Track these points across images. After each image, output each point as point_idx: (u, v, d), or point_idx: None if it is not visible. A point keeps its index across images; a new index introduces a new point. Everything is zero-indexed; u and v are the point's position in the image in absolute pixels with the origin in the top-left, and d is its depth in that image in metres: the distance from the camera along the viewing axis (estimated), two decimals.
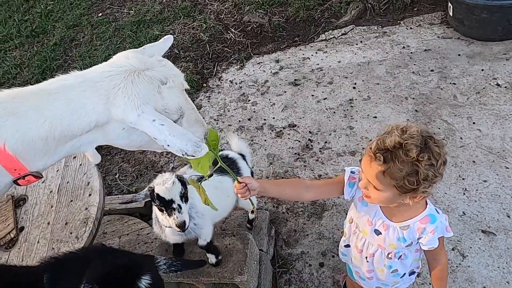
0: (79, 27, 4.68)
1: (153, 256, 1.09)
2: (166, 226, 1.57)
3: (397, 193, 1.18)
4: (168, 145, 1.12)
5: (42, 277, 1.08)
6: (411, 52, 3.53)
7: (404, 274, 1.48)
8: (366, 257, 1.46)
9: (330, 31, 3.94)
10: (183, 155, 1.12)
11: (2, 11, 5.09)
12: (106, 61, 1.23)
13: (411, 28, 3.79)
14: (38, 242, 1.67)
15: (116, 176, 3.07)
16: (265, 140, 3.06)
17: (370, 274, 1.50)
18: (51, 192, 1.84)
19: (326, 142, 2.95)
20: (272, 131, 3.12)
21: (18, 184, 1.09)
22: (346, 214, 2.48)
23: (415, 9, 3.96)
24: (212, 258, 1.80)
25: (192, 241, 1.76)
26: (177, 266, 1.11)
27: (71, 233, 1.66)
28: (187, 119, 1.26)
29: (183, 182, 1.48)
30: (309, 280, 2.26)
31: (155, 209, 1.61)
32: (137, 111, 1.10)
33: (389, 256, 1.40)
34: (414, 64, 3.41)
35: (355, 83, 3.36)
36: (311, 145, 2.95)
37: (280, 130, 3.11)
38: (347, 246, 1.57)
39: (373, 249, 1.42)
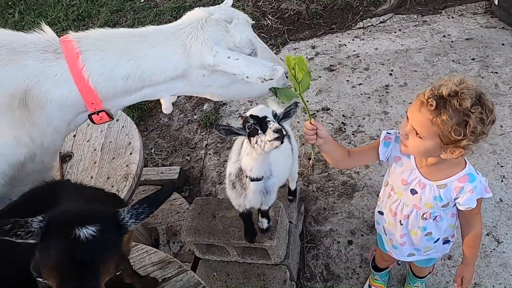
0: (122, 12, 4.86)
1: (116, 211, 0.89)
2: (252, 179, 1.46)
3: (439, 143, 1.17)
4: (247, 77, 1.17)
5: None
6: (452, 41, 3.45)
7: (438, 239, 1.47)
8: (400, 220, 1.46)
9: (368, 19, 3.90)
10: (262, 82, 1.18)
11: None
12: None
13: (452, 17, 3.70)
14: None
15: (152, 151, 3.18)
16: (298, 122, 3.08)
17: (403, 239, 1.49)
18: (94, 150, 1.95)
19: (359, 126, 2.94)
20: (305, 113, 3.13)
21: (92, 120, 1.14)
22: (377, 195, 2.48)
23: None
24: (264, 223, 1.82)
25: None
26: (145, 211, 0.88)
27: (112, 186, 1.75)
28: (261, 53, 1.33)
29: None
30: (337, 257, 2.27)
31: (231, 168, 1.55)
32: (211, 52, 1.16)
33: (424, 216, 1.39)
34: (455, 53, 3.33)
35: (392, 70, 3.32)
36: (344, 128, 2.95)
37: (313, 113, 3.12)
38: (381, 213, 1.57)
39: (408, 210, 1.42)
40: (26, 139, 1.00)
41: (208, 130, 3.22)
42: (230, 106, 3.38)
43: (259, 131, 1.29)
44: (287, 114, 1.37)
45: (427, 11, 3.84)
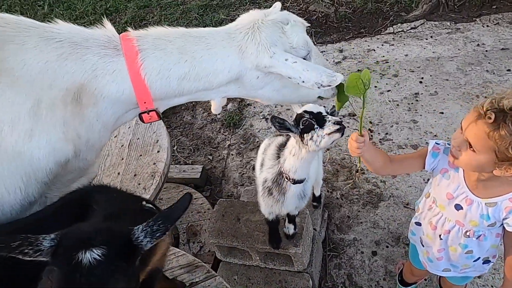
0: (149, 8, 4.89)
1: (130, 229, 0.82)
2: (295, 181, 1.43)
3: (493, 159, 1.11)
4: (303, 81, 1.14)
5: None
6: (486, 50, 3.34)
7: (478, 258, 1.39)
8: (440, 235, 1.39)
9: (398, 24, 3.81)
10: (318, 88, 1.14)
11: None
12: None
13: (487, 25, 3.58)
14: None
15: (175, 148, 3.17)
16: None
17: (440, 254, 1.43)
18: (122, 146, 1.94)
19: (387, 134, 2.87)
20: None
21: (142, 120, 1.14)
22: (404, 206, 2.41)
23: (494, 6, 3.73)
24: (291, 229, 1.79)
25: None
26: (161, 228, 0.80)
27: (139, 184, 1.73)
28: (314, 57, 1.30)
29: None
30: (360, 267, 2.21)
31: (267, 174, 1.51)
32: (269, 53, 1.14)
33: (467, 234, 1.32)
34: (489, 63, 3.22)
35: (422, 78, 3.23)
36: (371, 135, 2.88)
37: (340, 118, 3.05)
38: (418, 224, 1.51)
39: (450, 225, 1.35)
40: (73, 135, 0.98)
41: (231, 130, 3.20)
42: (254, 107, 3.34)
43: (315, 126, 1.26)
44: (332, 114, 1.33)
45: (460, 18, 3.73)
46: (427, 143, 2.71)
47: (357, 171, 1.48)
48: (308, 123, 1.26)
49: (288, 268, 1.98)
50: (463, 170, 1.28)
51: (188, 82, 1.11)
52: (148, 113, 1.11)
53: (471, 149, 1.13)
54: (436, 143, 1.35)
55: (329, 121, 1.24)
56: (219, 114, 3.37)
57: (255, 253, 1.93)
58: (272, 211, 1.61)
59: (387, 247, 2.25)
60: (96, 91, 0.99)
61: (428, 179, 1.49)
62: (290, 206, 1.55)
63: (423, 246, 1.52)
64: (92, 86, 0.98)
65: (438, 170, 1.35)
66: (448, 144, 1.34)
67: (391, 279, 2.11)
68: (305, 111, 1.28)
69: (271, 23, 1.18)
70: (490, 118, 1.06)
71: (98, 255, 0.75)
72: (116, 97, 1.03)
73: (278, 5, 1.30)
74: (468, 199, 1.27)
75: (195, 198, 2.70)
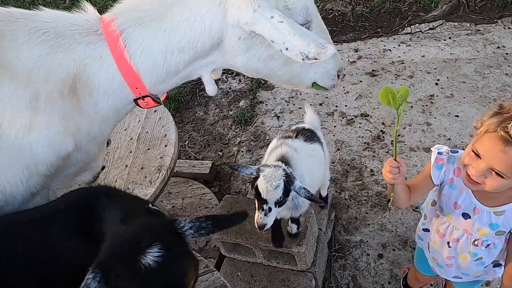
0: None
1: (174, 219, 0.83)
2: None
3: None
4: (287, 48, 0.93)
5: None
6: (507, 53, 3.25)
7: (489, 264, 1.36)
8: (449, 242, 1.36)
9: (416, 24, 3.75)
10: (303, 59, 0.94)
11: None
12: None
13: (509, 28, 3.48)
14: (115, 181, 1.79)
15: (186, 143, 3.19)
16: (334, 126, 3.00)
17: (450, 261, 1.40)
18: (131, 139, 1.96)
19: (399, 135, 2.82)
20: (343, 118, 3.05)
21: (138, 105, 1.06)
22: (413, 209, 2.37)
23: None
24: (294, 228, 1.78)
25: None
26: (208, 228, 0.80)
27: (145, 177, 1.75)
28: (316, 29, 1.08)
29: (289, 186, 1.39)
30: (365, 269, 2.19)
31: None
32: (252, 6, 0.93)
33: (476, 243, 1.29)
34: (509, 66, 3.13)
35: (438, 79, 3.16)
36: (383, 137, 2.84)
37: (352, 118, 3.03)
38: (426, 230, 1.48)
39: (458, 234, 1.32)
40: (73, 129, 0.98)
41: (243, 127, 3.20)
42: (266, 104, 3.34)
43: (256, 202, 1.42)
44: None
45: (481, 19, 3.64)
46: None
47: (388, 201, 1.43)
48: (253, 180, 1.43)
49: (291, 267, 1.97)
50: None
51: (172, 55, 0.99)
52: (143, 99, 1.04)
53: (500, 176, 1.07)
54: (438, 153, 1.30)
55: (260, 215, 1.39)
56: (231, 111, 3.38)
57: (259, 250, 1.93)
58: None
59: (394, 250, 2.22)
60: (89, 80, 0.97)
61: None
62: (282, 214, 1.58)
63: (429, 252, 1.49)
64: (85, 76, 0.96)
65: (445, 181, 1.31)
66: (451, 151, 1.30)
67: (396, 283, 2.08)
68: (257, 188, 1.39)
69: None
70: None
71: (156, 253, 0.73)
72: (108, 85, 0.99)
73: None
74: (476, 209, 1.24)
75: (203, 194, 2.72)
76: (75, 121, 0.98)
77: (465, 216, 1.27)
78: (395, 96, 1.02)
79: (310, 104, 3.23)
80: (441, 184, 1.34)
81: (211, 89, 1.12)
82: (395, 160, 1.17)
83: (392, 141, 2.79)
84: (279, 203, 1.40)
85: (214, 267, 2.23)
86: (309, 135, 1.75)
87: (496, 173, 1.07)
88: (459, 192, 1.27)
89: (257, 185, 1.39)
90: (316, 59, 0.93)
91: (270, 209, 1.39)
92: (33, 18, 0.95)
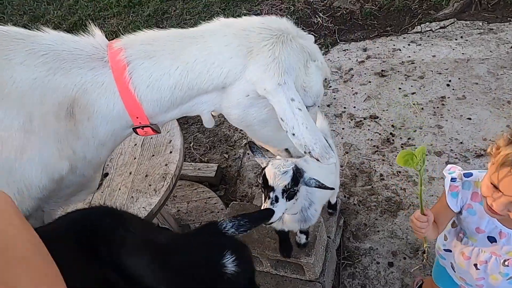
0: (171, 1, 4.86)
1: (215, 221, 0.87)
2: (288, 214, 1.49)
3: None
4: (294, 134, 0.95)
5: None
6: None
7: None
8: (476, 264, 1.30)
9: (427, 23, 3.65)
10: (305, 152, 0.97)
11: None
12: None
13: None
14: (119, 189, 1.74)
15: (191, 145, 3.14)
16: (343, 129, 2.94)
17: (480, 282, 1.33)
18: (135, 145, 1.92)
19: (409, 139, 2.75)
20: (352, 120, 2.98)
21: (136, 133, 1.05)
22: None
23: None
24: (302, 239, 1.73)
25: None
26: (246, 225, 0.87)
27: (150, 185, 1.70)
28: (314, 115, 1.10)
29: (298, 176, 1.36)
30: (375, 278, 2.13)
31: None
32: (278, 78, 0.92)
33: (506, 263, 1.23)
34: None
35: (450, 80, 3.08)
36: (392, 140, 2.77)
37: (360, 120, 2.96)
38: (448, 251, 1.41)
39: (486, 256, 1.26)
40: (69, 152, 0.94)
41: None
42: None
43: (263, 193, 1.34)
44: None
45: (494, 18, 3.54)
46: (451, 150, 2.59)
47: (424, 252, 1.40)
48: (260, 187, 1.36)
49: (299, 276, 1.92)
50: None
51: (180, 91, 0.98)
52: (143, 128, 1.02)
53: None
54: (451, 179, 1.23)
55: (266, 205, 1.30)
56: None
57: (266, 259, 1.88)
58: (275, 226, 1.56)
59: (405, 258, 2.16)
60: (88, 105, 0.94)
61: None
62: (291, 227, 1.52)
63: (454, 271, 1.42)
64: (84, 100, 0.93)
65: (463, 207, 1.24)
66: (465, 175, 1.23)
67: None
68: (264, 175, 1.33)
69: (300, 47, 0.97)
70: None
71: (231, 259, 0.81)
72: (108, 112, 0.96)
73: (311, 38, 1.08)
74: (502, 233, 1.18)
75: (209, 197, 2.67)
76: (71, 144, 0.95)
77: (491, 239, 1.21)
78: (414, 158, 1.01)
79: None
80: (460, 209, 1.28)
81: (208, 122, 1.11)
82: (423, 214, 1.14)
83: (402, 144, 2.72)
84: (288, 194, 1.33)
85: None
86: None
87: None
88: (479, 217, 1.20)
89: (264, 172, 1.34)
90: (317, 159, 0.96)
91: (277, 199, 1.32)
92: (32, 39, 0.92)
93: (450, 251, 1.39)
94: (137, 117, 0.99)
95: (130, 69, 0.94)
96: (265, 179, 1.33)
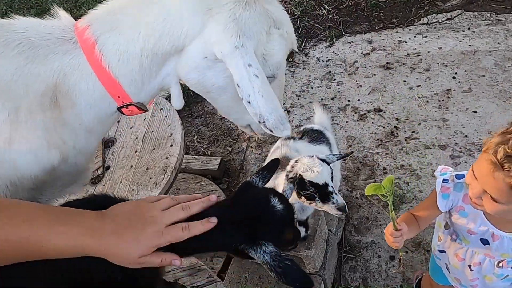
0: None
1: (247, 180, 0.98)
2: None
3: None
4: (249, 102, 0.91)
5: None
6: None
7: None
8: (470, 265, 1.30)
9: (434, 14, 3.60)
10: (259, 122, 0.93)
11: None
12: None
13: None
14: (120, 182, 1.75)
15: (194, 138, 3.15)
16: (346, 122, 2.92)
17: (474, 282, 1.33)
18: (136, 138, 1.93)
19: (413, 132, 2.73)
20: (355, 113, 2.96)
21: (122, 113, 1.00)
22: None
23: None
24: (302, 232, 1.72)
25: None
26: (267, 175, 0.97)
27: (150, 178, 1.72)
28: (276, 88, 1.04)
29: (326, 160, 1.34)
30: (376, 272, 2.13)
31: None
32: (236, 41, 0.88)
33: (500, 265, 1.22)
34: None
35: (456, 73, 3.04)
36: (397, 133, 2.75)
37: (364, 114, 2.94)
38: (442, 251, 1.41)
39: (480, 258, 1.25)
40: (58, 141, 0.94)
41: None
42: None
43: (317, 199, 1.27)
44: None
45: (503, 9, 3.47)
46: (456, 143, 2.57)
47: (400, 260, 1.43)
48: (310, 196, 1.27)
49: None
50: None
51: (147, 58, 0.92)
52: (127, 107, 0.98)
53: (493, 200, 1.01)
54: (443, 180, 1.22)
55: (333, 202, 1.23)
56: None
57: None
58: None
59: (407, 252, 2.15)
60: (70, 91, 0.92)
61: None
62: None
63: (449, 272, 1.42)
64: (65, 86, 0.91)
65: (454, 208, 1.23)
66: (457, 177, 1.22)
67: (408, 287, 2.02)
68: (311, 183, 1.24)
69: (265, 12, 0.92)
70: (508, 171, 0.94)
71: (277, 200, 0.90)
72: (89, 95, 0.94)
73: (281, 7, 1.02)
74: (495, 235, 1.17)
75: (211, 191, 2.68)
76: (59, 134, 0.94)
77: (484, 241, 1.20)
78: (382, 188, 1.07)
79: (322, 99, 3.15)
80: (449, 210, 1.27)
81: (177, 104, 1.05)
82: (396, 229, 1.17)
83: (406, 137, 2.70)
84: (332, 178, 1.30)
85: (222, 267, 2.21)
86: (315, 136, 1.69)
87: (491, 196, 1.02)
88: (472, 219, 1.20)
89: (309, 181, 1.24)
90: (270, 130, 0.93)
91: (333, 188, 1.26)
92: (6, 28, 0.90)
93: (445, 252, 1.38)
94: (118, 96, 0.96)
95: (99, 46, 0.91)
96: (314, 184, 1.25)
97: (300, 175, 1.27)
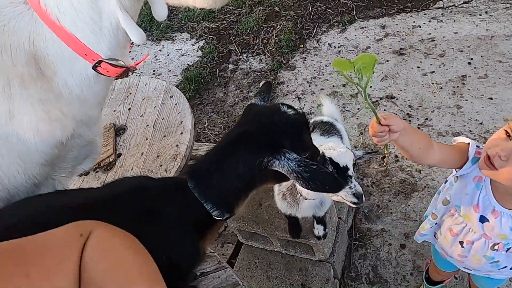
0: None
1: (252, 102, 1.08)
2: (306, 199, 1.41)
3: None
4: None
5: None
6: None
7: (505, 267, 1.28)
8: (462, 242, 1.28)
9: None
10: None
11: None
12: None
13: None
14: (132, 169, 1.78)
15: (205, 125, 3.16)
16: (358, 109, 2.88)
17: (460, 259, 1.32)
18: (147, 126, 1.94)
19: (426, 119, 2.68)
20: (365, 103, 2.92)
21: (101, 73, 0.94)
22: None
23: None
24: (320, 230, 1.73)
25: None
26: (266, 96, 1.09)
27: (161, 165, 1.73)
28: None
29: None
30: (386, 259, 2.13)
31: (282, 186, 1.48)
32: None
33: (496, 247, 1.21)
34: None
35: (471, 58, 2.96)
36: (409, 120, 2.71)
37: (376, 101, 2.90)
38: (435, 224, 1.39)
39: (475, 237, 1.24)
40: (57, 113, 0.91)
41: None
42: (287, 85, 3.24)
43: None
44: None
45: None
46: (470, 131, 2.52)
47: (383, 158, 1.26)
48: None
49: (309, 256, 1.94)
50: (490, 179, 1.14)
51: None
52: (100, 65, 0.91)
53: None
54: (477, 146, 1.17)
55: (350, 187, 1.18)
56: (251, 92, 3.30)
57: (276, 240, 1.90)
58: (289, 213, 1.55)
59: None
60: (45, 58, 0.87)
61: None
62: (306, 213, 1.50)
63: (437, 242, 1.41)
64: (40, 53, 0.87)
65: (471, 178, 1.20)
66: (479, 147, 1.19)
67: (418, 275, 2.02)
68: (331, 161, 1.20)
69: None
70: None
71: (287, 109, 0.99)
72: (62, 59, 0.88)
73: None
74: (496, 211, 1.15)
75: None
76: (56, 105, 0.91)
77: (482, 219, 1.18)
78: (351, 68, 0.90)
79: (333, 86, 3.12)
80: (458, 178, 1.24)
81: (136, 38, 0.91)
82: (379, 123, 1.02)
83: (419, 125, 2.66)
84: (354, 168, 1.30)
85: (232, 253, 2.23)
86: (326, 129, 1.67)
87: None
88: (482, 192, 1.17)
89: (330, 158, 1.21)
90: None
91: (352, 176, 1.23)
92: None
93: (437, 223, 1.36)
94: (85, 54, 0.89)
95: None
96: (334, 164, 1.21)
97: (322, 152, 1.24)
